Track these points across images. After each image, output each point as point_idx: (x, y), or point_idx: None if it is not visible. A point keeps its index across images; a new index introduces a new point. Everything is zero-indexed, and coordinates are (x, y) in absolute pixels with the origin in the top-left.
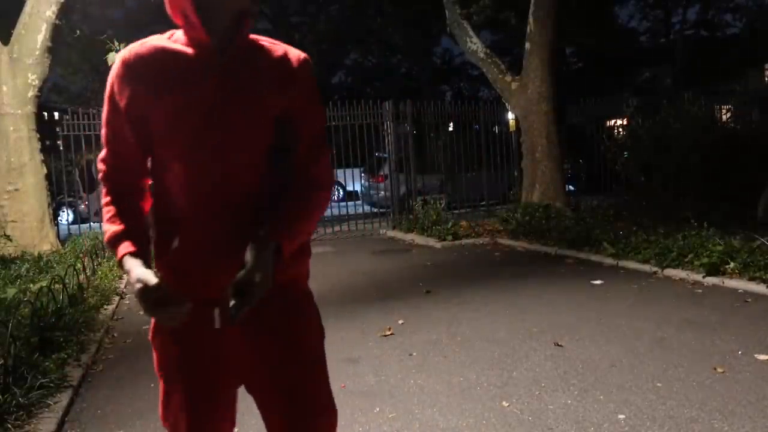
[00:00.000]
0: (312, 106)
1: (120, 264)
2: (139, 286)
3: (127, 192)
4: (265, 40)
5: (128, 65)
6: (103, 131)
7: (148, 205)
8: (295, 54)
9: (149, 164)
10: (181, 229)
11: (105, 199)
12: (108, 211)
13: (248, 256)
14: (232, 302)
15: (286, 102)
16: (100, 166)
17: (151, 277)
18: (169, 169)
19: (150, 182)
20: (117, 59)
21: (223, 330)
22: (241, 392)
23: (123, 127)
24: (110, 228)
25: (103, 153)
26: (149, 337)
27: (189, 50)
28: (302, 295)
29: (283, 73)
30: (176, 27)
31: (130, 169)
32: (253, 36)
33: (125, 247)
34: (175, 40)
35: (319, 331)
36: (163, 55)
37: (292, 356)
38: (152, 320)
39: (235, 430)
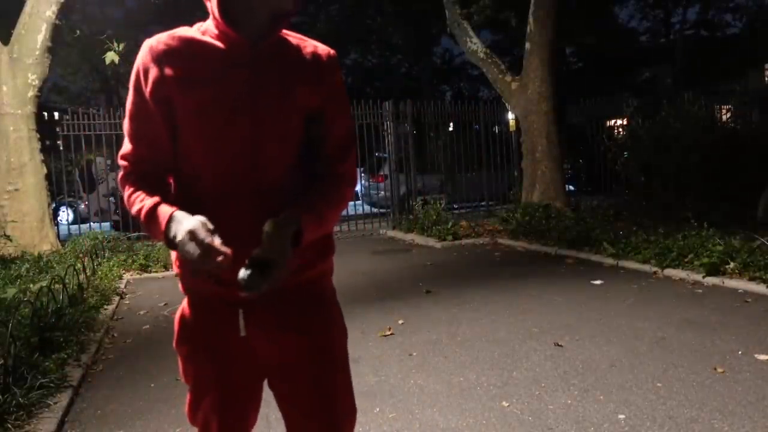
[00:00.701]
0: (341, 102)
1: (165, 232)
2: (195, 225)
3: (151, 181)
4: (293, 36)
5: (155, 53)
6: (127, 124)
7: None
8: (325, 50)
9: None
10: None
11: (129, 191)
12: (135, 197)
13: (265, 233)
14: (247, 273)
15: (316, 98)
16: (122, 162)
17: (206, 221)
18: (194, 162)
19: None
20: (144, 47)
21: (248, 330)
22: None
23: (150, 115)
24: (143, 205)
25: (125, 149)
26: (173, 345)
27: (219, 44)
28: (328, 293)
29: (314, 70)
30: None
31: (156, 159)
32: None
33: (166, 210)
34: (204, 31)
35: (344, 330)
36: (191, 46)
37: (321, 354)
38: (176, 327)
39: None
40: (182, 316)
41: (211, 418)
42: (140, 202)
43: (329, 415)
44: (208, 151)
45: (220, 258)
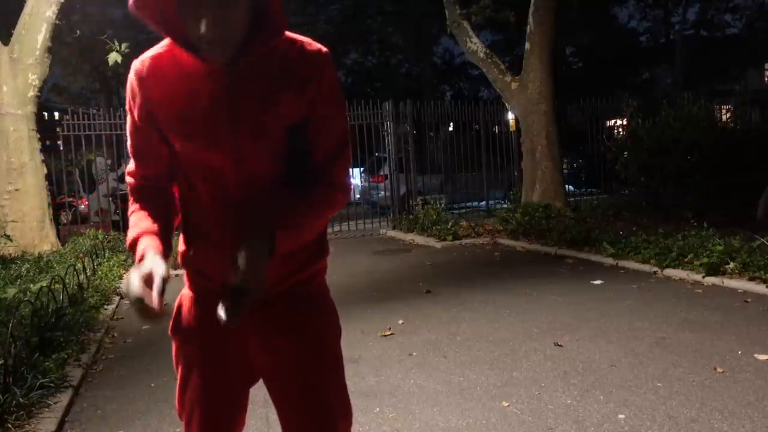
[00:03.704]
0: (332, 106)
1: (136, 255)
2: (145, 270)
3: (154, 199)
4: (283, 39)
5: (139, 74)
6: (129, 143)
7: (177, 212)
8: (314, 52)
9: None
10: (201, 234)
11: (131, 208)
12: (131, 221)
13: (241, 256)
14: (224, 310)
15: (303, 107)
16: (129, 179)
17: (160, 266)
18: (185, 174)
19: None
20: (131, 70)
21: (239, 328)
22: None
23: (143, 133)
24: (132, 232)
25: (130, 165)
26: (169, 331)
27: (198, 59)
28: (321, 291)
29: (299, 78)
30: None
31: (157, 174)
32: None
33: (144, 239)
34: None
35: (338, 329)
36: (172, 62)
37: (314, 355)
38: (173, 314)
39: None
40: (180, 305)
41: (195, 411)
42: (131, 228)
43: (324, 415)
44: (195, 164)
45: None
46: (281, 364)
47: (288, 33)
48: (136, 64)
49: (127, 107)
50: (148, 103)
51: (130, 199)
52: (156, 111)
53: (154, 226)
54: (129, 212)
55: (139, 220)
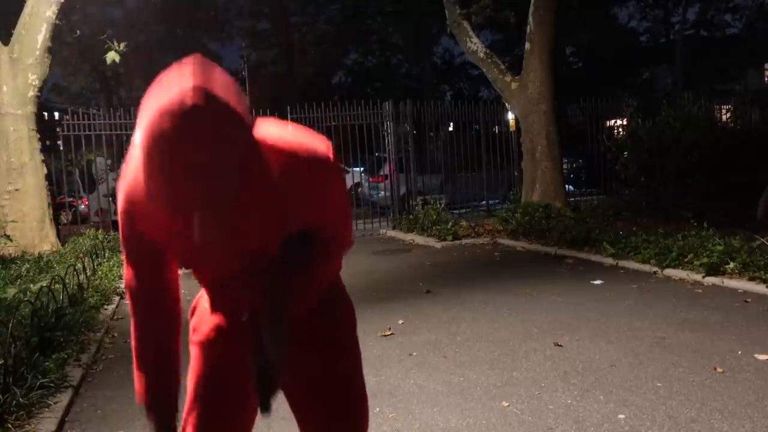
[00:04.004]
0: (335, 198)
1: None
2: None
3: (155, 310)
4: (273, 151)
5: (132, 207)
6: (123, 252)
7: (178, 311)
8: (311, 160)
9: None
10: (211, 290)
11: (132, 327)
12: (136, 349)
13: (264, 347)
14: (260, 402)
15: (306, 216)
16: (125, 288)
17: None
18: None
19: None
20: (121, 193)
21: (243, 332)
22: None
23: (141, 248)
24: (140, 380)
25: (127, 276)
26: (188, 315)
27: None
28: (330, 288)
29: (299, 190)
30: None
31: (153, 271)
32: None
33: (154, 402)
34: None
35: (348, 323)
36: None
37: (318, 352)
38: (196, 298)
39: None
40: (201, 297)
41: (195, 405)
42: (136, 368)
43: (347, 419)
44: (198, 266)
45: None
46: (294, 363)
47: (280, 140)
48: (128, 191)
49: (119, 210)
50: (142, 230)
51: (131, 314)
52: (152, 237)
53: (160, 367)
54: (131, 330)
55: (143, 357)
